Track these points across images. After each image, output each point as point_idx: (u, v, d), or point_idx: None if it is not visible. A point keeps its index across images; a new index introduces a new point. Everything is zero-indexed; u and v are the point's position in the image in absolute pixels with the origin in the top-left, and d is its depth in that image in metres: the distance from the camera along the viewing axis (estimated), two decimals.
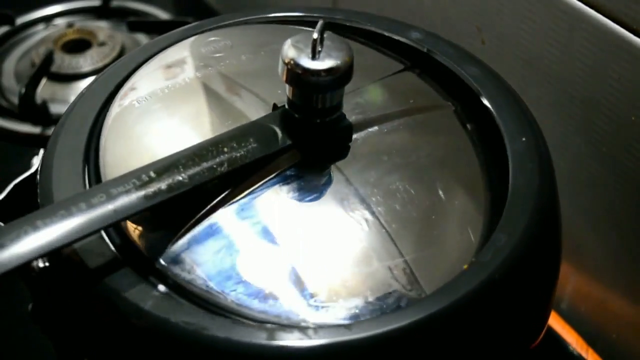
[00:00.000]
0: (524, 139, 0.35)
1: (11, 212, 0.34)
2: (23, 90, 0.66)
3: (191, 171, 0.31)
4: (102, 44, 0.74)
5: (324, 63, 0.31)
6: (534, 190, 0.33)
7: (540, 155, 0.35)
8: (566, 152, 0.47)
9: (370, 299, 0.30)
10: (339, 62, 0.31)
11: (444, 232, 0.33)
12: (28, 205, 0.34)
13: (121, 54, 0.73)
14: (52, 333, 0.35)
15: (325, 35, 0.32)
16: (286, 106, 0.34)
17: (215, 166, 0.31)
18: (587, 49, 0.43)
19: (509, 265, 0.30)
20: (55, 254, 0.28)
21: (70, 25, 0.78)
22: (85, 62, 0.72)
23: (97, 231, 0.29)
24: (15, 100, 0.68)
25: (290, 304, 0.29)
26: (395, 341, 0.27)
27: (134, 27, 0.78)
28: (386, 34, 0.41)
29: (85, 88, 0.39)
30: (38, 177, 0.34)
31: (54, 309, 0.33)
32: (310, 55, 0.31)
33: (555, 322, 0.50)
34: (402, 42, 0.41)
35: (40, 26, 0.80)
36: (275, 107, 0.35)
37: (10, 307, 0.52)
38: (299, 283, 0.30)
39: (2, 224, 0.32)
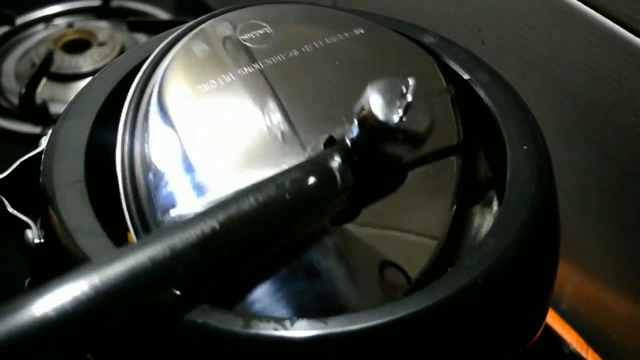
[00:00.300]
0: (525, 147, 0.35)
1: (15, 189, 0.35)
2: (23, 90, 0.66)
3: (255, 227, 0.29)
4: (102, 44, 0.74)
5: (409, 124, 0.31)
6: (529, 199, 0.33)
7: (540, 164, 0.35)
8: (566, 152, 0.47)
9: None
10: (423, 128, 0.32)
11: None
12: (32, 183, 0.35)
13: (121, 54, 0.73)
14: None
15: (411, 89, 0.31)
16: (348, 143, 0.32)
17: (278, 223, 0.30)
18: (587, 49, 0.43)
19: (494, 271, 0.30)
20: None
21: (70, 25, 0.78)
22: (85, 62, 0.72)
23: (165, 286, 0.27)
24: (15, 100, 0.68)
25: None
26: (369, 339, 0.28)
27: (134, 27, 0.78)
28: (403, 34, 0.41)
29: (95, 75, 0.39)
30: (43, 157, 0.35)
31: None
32: (397, 114, 0.30)
33: (555, 322, 0.50)
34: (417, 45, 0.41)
35: (40, 26, 0.80)
36: (331, 140, 0.34)
37: None
38: None
39: (5, 199, 0.34)
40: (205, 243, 0.27)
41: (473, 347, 0.31)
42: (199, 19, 0.39)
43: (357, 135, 0.32)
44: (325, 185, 0.31)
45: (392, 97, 0.31)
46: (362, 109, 0.31)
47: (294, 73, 0.37)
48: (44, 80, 0.70)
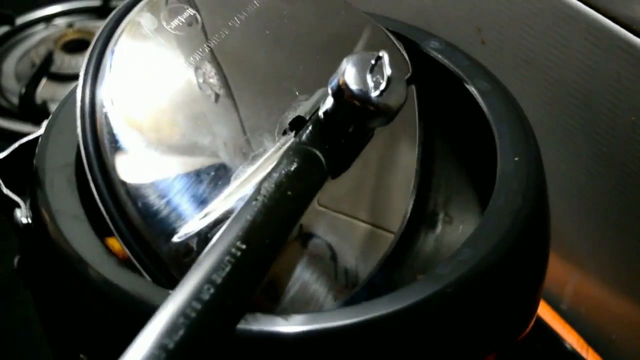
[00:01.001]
0: (517, 158, 0.35)
1: (12, 170, 0.36)
2: (23, 90, 0.66)
3: (269, 229, 0.29)
4: None
5: (386, 99, 0.31)
6: (513, 211, 0.32)
7: (529, 177, 0.34)
8: (566, 152, 0.47)
9: None
10: (398, 102, 0.31)
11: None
12: (28, 165, 0.36)
13: None
14: (33, 287, 0.36)
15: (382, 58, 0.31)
16: (321, 115, 0.32)
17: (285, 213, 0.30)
18: (587, 49, 0.43)
19: (466, 281, 0.29)
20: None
21: (70, 25, 0.78)
22: None
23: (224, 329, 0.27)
24: (15, 100, 0.68)
25: None
26: (328, 340, 0.28)
27: None
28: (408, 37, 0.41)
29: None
30: (40, 140, 0.36)
31: (36, 264, 0.35)
32: (376, 87, 0.30)
33: (555, 322, 0.50)
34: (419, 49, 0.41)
35: (40, 26, 0.80)
36: (299, 120, 0.34)
37: (10, 308, 0.52)
38: None
39: (0, 179, 0.35)
40: (238, 262, 0.27)
41: (442, 353, 0.30)
42: None
43: (333, 111, 0.31)
44: (317, 171, 0.31)
45: (366, 70, 0.30)
46: (339, 83, 0.30)
47: (237, 49, 0.36)
48: (44, 80, 0.70)
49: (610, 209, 0.46)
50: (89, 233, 0.31)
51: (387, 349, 0.28)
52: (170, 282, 0.29)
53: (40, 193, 0.33)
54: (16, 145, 0.37)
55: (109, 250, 0.31)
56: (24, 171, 0.36)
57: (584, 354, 0.49)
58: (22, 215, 0.34)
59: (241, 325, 0.27)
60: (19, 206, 0.34)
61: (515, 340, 0.34)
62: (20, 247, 0.35)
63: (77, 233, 0.31)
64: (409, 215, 0.37)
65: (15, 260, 0.36)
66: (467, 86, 0.39)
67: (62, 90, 0.70)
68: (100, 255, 0.30)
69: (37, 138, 0.37)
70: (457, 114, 0.41)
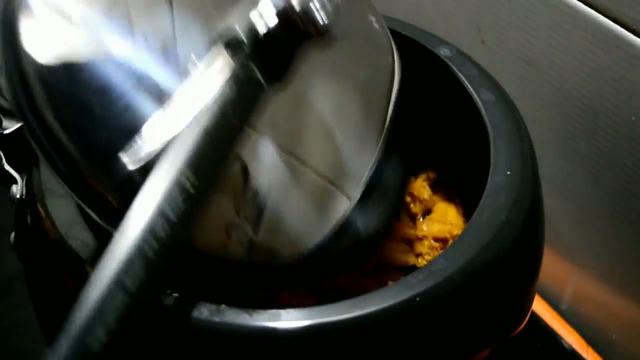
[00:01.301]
0: (508, 172, 0.34)
1: (14, 147, 0.38)
2: None
3: (215, 159, 0.28)
4: None
5: (331, 21, 0.29)
6: (494, 227, 0.32)
7: (519, 192, 0.34)
8: (566, 152, 0.47)
9: None
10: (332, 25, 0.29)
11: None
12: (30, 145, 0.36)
13: None
14: (25, 262, 0.38)
15: None
16: (261, 35, 0.30)
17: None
18: (587, 49, 0.43)
19: (437, 291, 0.29)
20: None
21: None
22: None
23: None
24: None
25: None
26: (293, 339, 0.28)
27: None
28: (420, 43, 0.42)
29: None
30: None
31: (28, 239, 0.37)
32: (319, 9, 0.29)
33: (555, 322, 0.50)
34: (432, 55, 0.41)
35: None
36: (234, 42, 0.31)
37: (10, 308, 0.52)
38: None
39: (2, 153, 0.37)
40: (190, 197, 0.27)
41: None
42: None
43: (275, 31, 0.30)
44: (259, 95, 0.30)
45: None
46: (285, 2, 0.29)
47: None
48: None
49: (610, 209, 0.46)
50: (74, 212, 0.33)
51: (346, 353, 0.29)
52: (111, 212, 0.29)
53: (35, 172, 0.35)
54: (21, 123, 0.38)
55: (91, 229, 0.32)
56: (26, 149, 0.36)
57: (584, 354, 0.49)
58: (18, 191, 0.36)
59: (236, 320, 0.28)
60: (16, 182, 0.36)
61: (485, 352, 0.34)
62: (15, 222, 0.37)
63: (63, 214, 0.33)
64: (364, 182, 0.35)
65: (12, 235, 0.38)
66: (473, 96, 0.38)
67: None
68: (81, 232, 0.32)
69: None
70: (460, 122, 0.41)
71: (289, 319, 0.28)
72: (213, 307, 0.28)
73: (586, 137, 0.45)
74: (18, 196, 0.36)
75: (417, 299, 0.29)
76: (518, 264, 0.34)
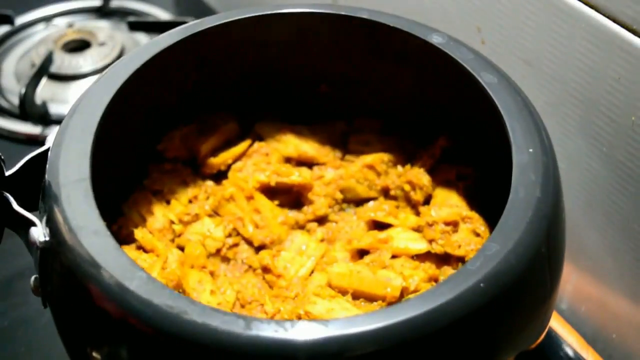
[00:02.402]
0: (531, 150, 0.35)
1: (22, 186, 0.36)
2: (23, 90, 0.66)
3: None
4: (102, 44, 0.74)
5: None
6: (533, 202, 0.33)
7: (545, 167, 0.34)
8: (566, 152, 0.47)
9: None
10: None
11: None
12: (38, 181, 0.35)
13: (121, 54, 0.73)
14: (53, 306, 0.35)
15: None
16: None
17: None
18: (587, 49, 0.43)
19: (497, 274, 0.30)
20: None
21: (70, 25, 0.78)
22: (85, 62, 0.72)
23: None
24: (15, 100, 0.68)
25: None
26: (367, 339, 0.28)
27: (134, 27, 0.78)
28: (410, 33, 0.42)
29: (101, 74, 0.39)
30: (49, 154, 0.35)
31: (54, 283, 0.34)
32: None
33: (555, 322, 0.50)
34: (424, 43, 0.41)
35: (40, 26, 0.80)
36: None
37: (10, 308, 0.52)
38: None
39: (10, 196, 0.34)
40: None
41: (474, 350, 0.31)
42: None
43: None
44: None
45: None
46: None
47: None
48: (44, 80, 0.70)
49: (610, 208, 0.46)
50: (115, 248, 0.31)
51: (431, 342, 0.29)
52: None
53: (57, 209, 0.32)
54: (24, 161, 0.36)
55: (135, 265, 0.30)
56: (35, 187, 0.35)
57: (584, 354, 0.49)
58: (39, 234, 0.32)
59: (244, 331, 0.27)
60: (34, 224, 0.33)
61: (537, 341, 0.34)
62: (39, 265, 0.34)
63: (102, 249, 0.31)
64: None
65: (32, 279, 0.35)
66: (477, 79, 0.38)
67: (62, 90, 0.70)
68: (129, 270, 0.30)
69: (44, 152, 0.36)
70: (464, 107, 0.41)
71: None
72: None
73: (585, 137, 0.45)
74: (42, 239, 0.32)
75: (481, 284, 0.29)
76: (556, 237, 0.35)
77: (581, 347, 0.49)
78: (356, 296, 0.40)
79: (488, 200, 0.42)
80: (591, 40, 0.42)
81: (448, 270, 0.41)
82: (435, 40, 0.41)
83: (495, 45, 0.49)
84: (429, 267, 0.41)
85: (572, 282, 0.51)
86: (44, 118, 0.67)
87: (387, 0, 0.58)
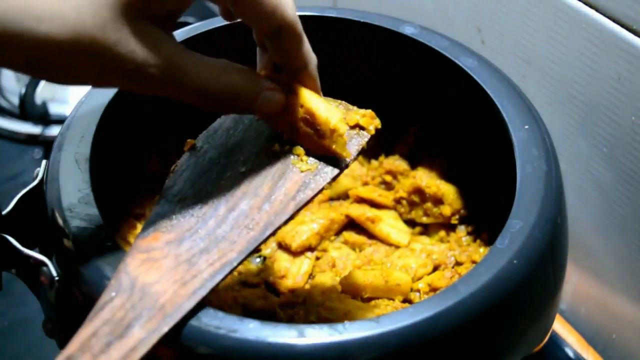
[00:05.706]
0: (527, 126, 0.36)
1: (20, 225, 0.34)
2: (23, 90, 0.66)
3: None
4: None
5: None
6: (542, 177, 0.34)
7: (544, 141, 0.35)
8: (566, 152, 0.47)
9: None
10: None
11: None
12: (34, 216, 0.34)
13: None
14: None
15: None
16: None
17: None
18: (587, 49, 0.43)
19: (526, 249, 0.31)
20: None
21: None
22: None
23: None
24: (15, 100, 0.68)
25: None
26: (424, 331, 0.28)
27: None
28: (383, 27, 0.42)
29: (79, 101, 0.38)
30: (45, 189, 0.34)
31: (66, 322, 0.32)
32: None
33: (555, 322, 0.50)
34: (399, 37, 0.42)
35: None
36: None
37: (10, 308, 0.52)
38: None
39: (9, 237, 0.32)
40: None
41: (516, 325, 0.31)
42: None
43: None
44: None
45: None
46: None
47: None
48: (43, 80, 0.70)
49: (610, 208, 0.46)
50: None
51: (472, 326, 0.29)
52: None
53: (69, 247, 0.31)
54: (16, 198, 0.34)
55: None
56: (30, 224, 0.34)
57: (584, 354, 0.49)
58: (51, 273, 0.31)
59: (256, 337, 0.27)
60: (44, 264, 0.31)
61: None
62: (56, 306, 0.32)
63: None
64: None
65: (43, 322, 0.33)
66: (457, 63, 0.39)
67: (62, 91, 0.70)
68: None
69: (36, 187, 0.35)
70: (440, 90, 0.43)
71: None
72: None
73: (585, 137, 0.45)
74: (57, 278, 0.31)
75: (515, 261, 0.30)
76: (564, 208, 0.35)
77: (581, 348, 0.49)
78: (367, 298, 0.41)
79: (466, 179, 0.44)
80: (591, 40, 0.42)
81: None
82: (408, 31, 0.42)
83: (495, 45, 0.49)
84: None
85: (572, 282, 0.51)
86: (44, 118, 0.67)
87: (387, 1, 0.58)
